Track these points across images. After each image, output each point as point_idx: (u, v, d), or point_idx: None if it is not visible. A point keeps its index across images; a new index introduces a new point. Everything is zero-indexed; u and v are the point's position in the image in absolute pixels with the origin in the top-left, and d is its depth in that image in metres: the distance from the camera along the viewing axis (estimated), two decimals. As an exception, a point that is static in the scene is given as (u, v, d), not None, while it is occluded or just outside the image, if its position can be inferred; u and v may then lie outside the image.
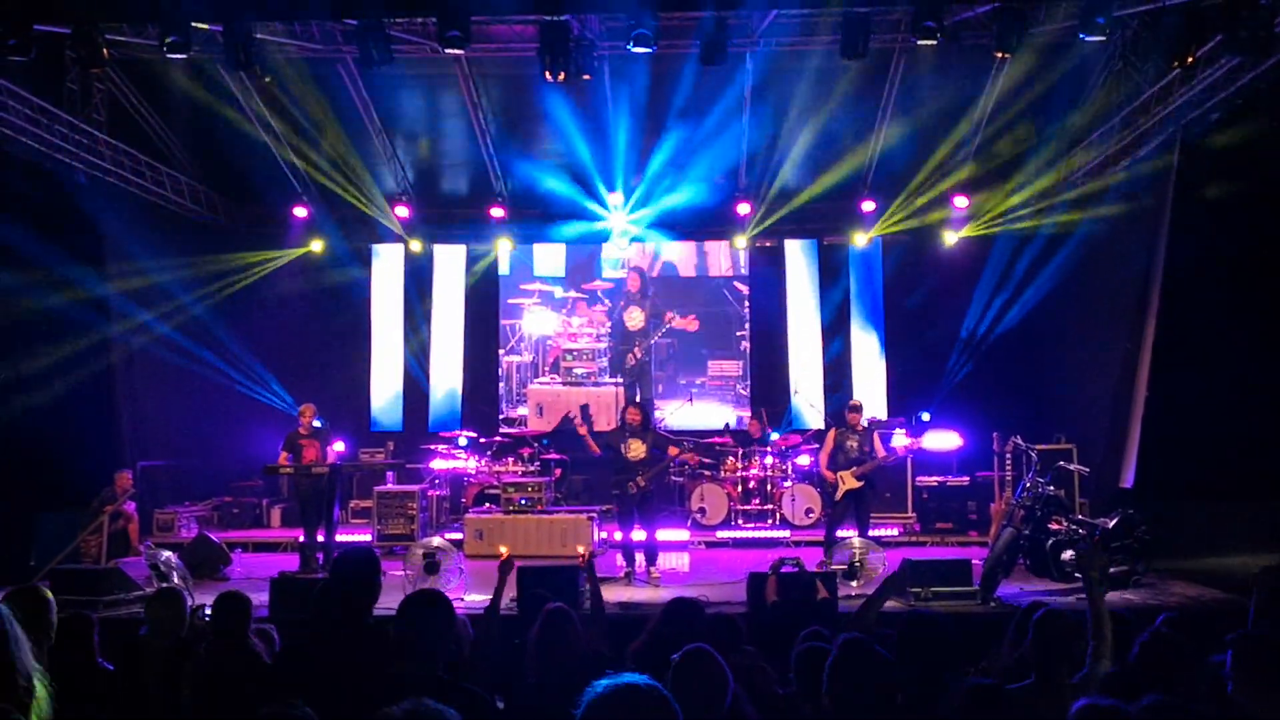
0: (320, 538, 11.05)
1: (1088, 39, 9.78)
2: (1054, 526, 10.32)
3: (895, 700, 3.88)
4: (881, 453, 11.12)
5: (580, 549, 7.51)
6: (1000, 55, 10.61)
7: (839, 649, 3.93)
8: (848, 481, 10.94)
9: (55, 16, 9.84)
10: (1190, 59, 9.71)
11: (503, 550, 5.84)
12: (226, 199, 14.77)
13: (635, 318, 15.90)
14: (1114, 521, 10.12)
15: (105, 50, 10.13)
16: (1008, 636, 5.50)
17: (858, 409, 11.46)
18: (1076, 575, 9.85)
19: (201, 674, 4.45)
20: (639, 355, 15.87)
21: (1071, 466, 11.84)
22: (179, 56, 10.12)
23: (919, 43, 9.98)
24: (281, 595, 8.54)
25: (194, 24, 10.02)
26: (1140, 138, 11.97)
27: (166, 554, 9.95)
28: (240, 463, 14.61)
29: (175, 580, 9.40)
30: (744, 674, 4.29)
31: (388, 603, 4.12)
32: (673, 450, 11.00)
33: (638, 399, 14.85)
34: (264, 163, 14.43)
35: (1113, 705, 3.13)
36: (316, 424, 11.73)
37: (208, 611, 5.74)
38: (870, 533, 11.12)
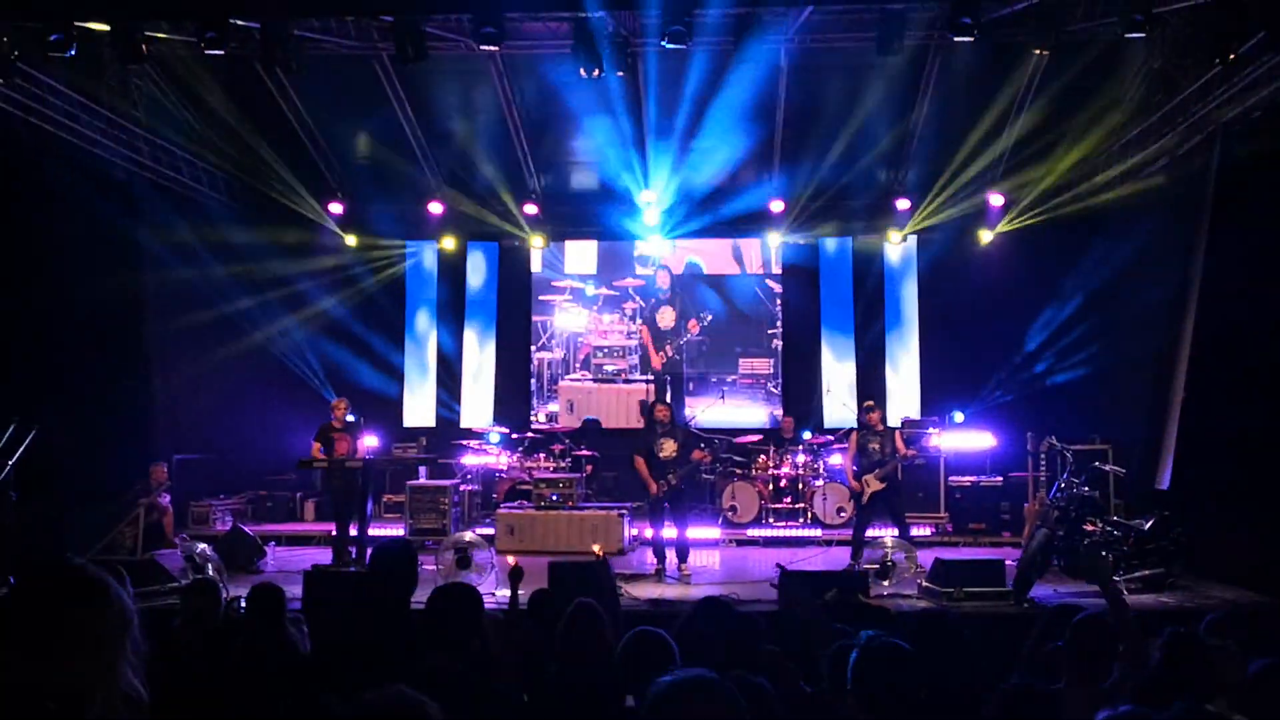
0: (353, 532, 11.12)
1: (1127, 36, 9.68)
2: (1088, 528, 10.22)
3: (920, 698, 3.85)
4: (904, 451, 11.03)
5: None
6: (1038, 52, 10.52)
7: (862, 646, 3.91)
8: (872, 484, 10.86)
9: (95, 13, 9.94)
10: (1231, 56, 9.57)
11: (510, 559, 5.91)
12: (262, 193, 14.86)
13: (667, 316, 15.92)
14: (1150, 523, 10.02)
15: (144, 46, 10.24)
16: (1033, 635, 5.46)
17: (873, 408, 11.37)
18: (1112, 577, 9.76)
19: (238, 664, 4.49)
20: (670, 353, 15.88)
21: (1107, 467, 11.73)
22: (216, 53, 10.20)
23: (955, 39, 9.92)
24: (314, 588, 8.58)
25: (231, 20, 10.10)
26: (1179, 136, 11.84)
27: (201, 546, 10.05)
28: (274, 456, 14.71)
29: (210, 572, 9.48)
30: (768, 672, 4.28)
31: (421, 597, 4.15)
32: (696, 454, 10.99)
33: (667, 397, 14.87)
34: (299, 158, 14.53)
35: (1132, 712, 3.07)
36: (349, 419, 11.79)
37: (243, 603, 5.80)
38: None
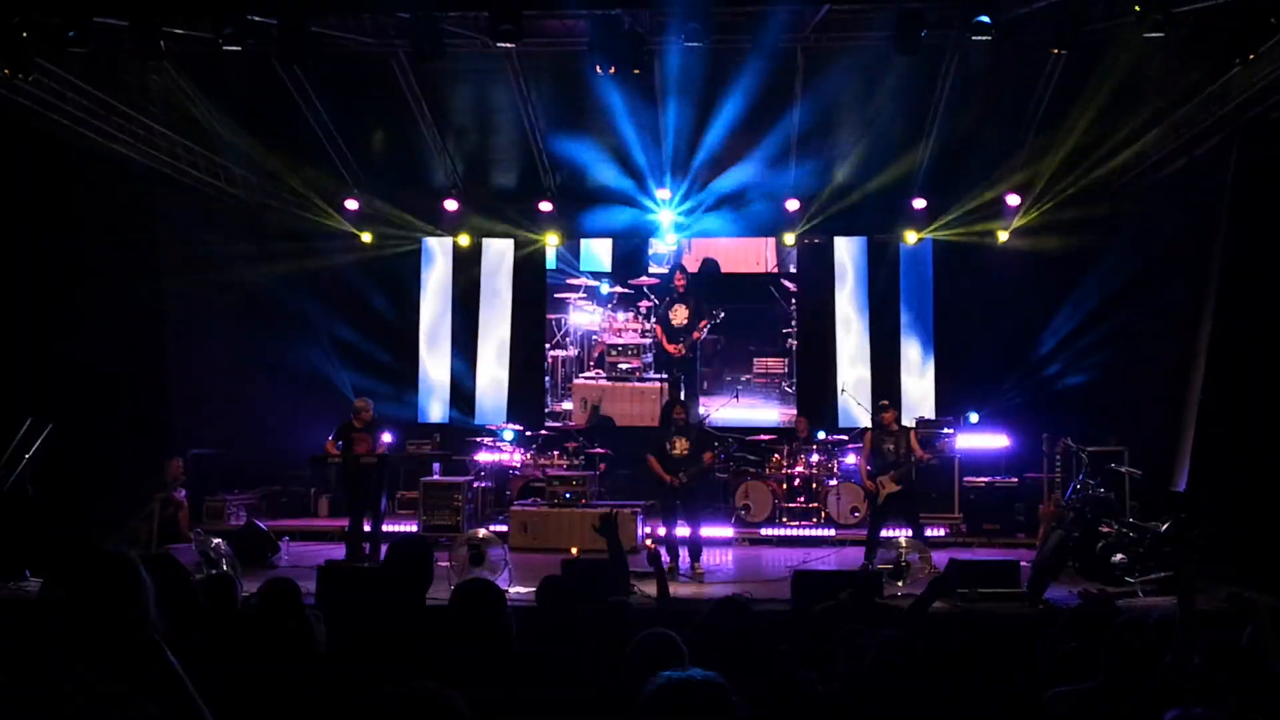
0: (367, 528, 11.14)
1: (1146, 35, 9.62)
2: (1104, 529, 10.19)
3: (936, 698, 3.85)
4: (919, 453, 10.98)
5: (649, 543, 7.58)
6: (1056, 52, 10.47)
7: (880, 647, 3.91)
8: (887, 486, 10.83)
9: (114, 9, 9.97)
10: (1251, 55, 9.52)
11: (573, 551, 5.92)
12: (279, 190, 14.90)
13: (680, 314, 15.89)
14: (1166, 525, 9.98)
15: (162, 42, 10.26)
16: (1053, 636, 5.44)
17: (887, 408, 11.33)
18: (1127, 579, 9.73)
19: (253, 659, 4.49)
20: (683, 351, 15.86)
21: (1123, 469, 11.67)
22: (234, 49, 10.22)
23: (973, 38, 9.87)
24: (328, 583, 8.59)
25: (250, 17, 10.12)
26: (1198, 136, 11.77)
27: (216, 541, 10.07)
28: (289, 452, 14.75)
29: (224, 567, 9.51)
30: (782, 673, 4.28)
31: (434, 593, 4.17)
32: (707, 456, 10.99)
33: (681, 395, 14.86)
34: (316, 154, 14.55)
35: (1203, 713, 3.08)
36: (370, 418, 11.79)
37: (255, 600, 5.80)
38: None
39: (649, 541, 10.37)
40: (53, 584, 2.58)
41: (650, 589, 9.52)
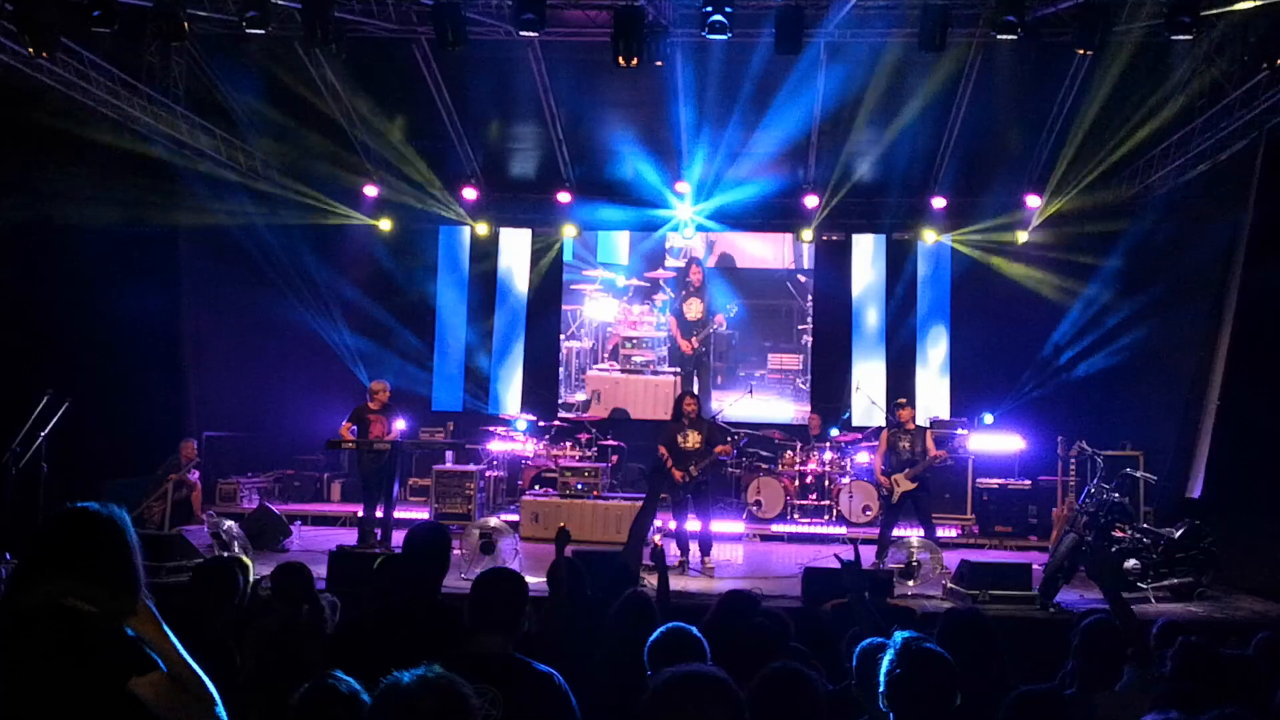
0: (379, 513, 11.15)
1: (1173, 38, 9.55)
2: (1118, 534, 10.12)
3: (954, 701, 3.81)
4: (934, 451, 10.92)
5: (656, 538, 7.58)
6: (1081, 53, 10.40)
7: (898, 647, 3.87)
8: (902, 484, 10.77)
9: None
10: (1279, 61, 9.45)
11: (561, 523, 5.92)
12: (297, 174, 14.92)
13: (695, 308, 15.89)
14: (1180, 531, 9.91)
15: (186, 24, 10.27)
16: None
17: (904, 406, 11.25)
18: (1139, 585, 9.67)
19: (262, 642, 4.50)
20: (696, 345, 15.86)
21: (1138, 474, 11.61)
22: (257, 32, 10.23)
23: (998, 37, 9.81)
24: (339, 568, 8.61)
25: (273, 0, 10.13)
26: (1223, 140, 11.69)
27: (228, 523, 10.11)
28: (303, 436, 14.78)
29: (236, 549, 9.55)
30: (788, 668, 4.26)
31: (449, 581, 4.16)
32: (719, 449, 10.88)
33: (694, 389, 14.85)
34: (336, 140, 14.57)
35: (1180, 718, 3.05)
36: (386, 400, 11.80)
37: (266, 584, 5.82)
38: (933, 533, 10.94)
39: (656, 537, 10.33)
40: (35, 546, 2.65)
41: (658, 581, 9.50)
